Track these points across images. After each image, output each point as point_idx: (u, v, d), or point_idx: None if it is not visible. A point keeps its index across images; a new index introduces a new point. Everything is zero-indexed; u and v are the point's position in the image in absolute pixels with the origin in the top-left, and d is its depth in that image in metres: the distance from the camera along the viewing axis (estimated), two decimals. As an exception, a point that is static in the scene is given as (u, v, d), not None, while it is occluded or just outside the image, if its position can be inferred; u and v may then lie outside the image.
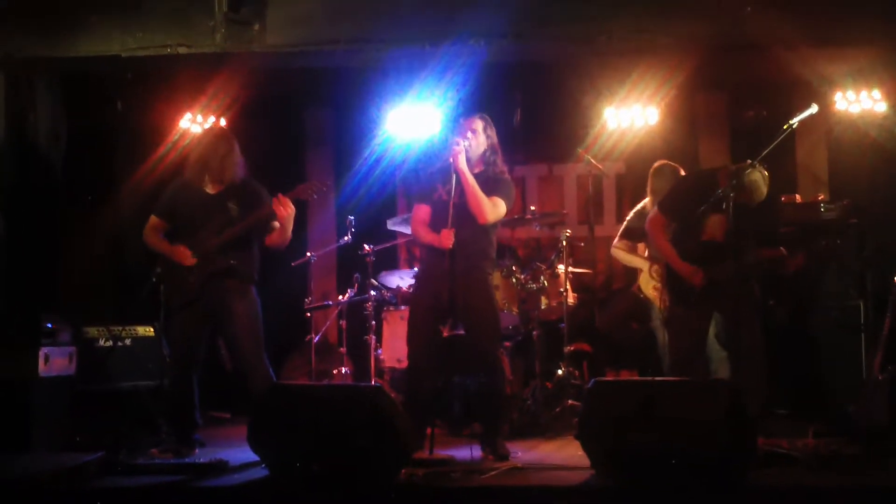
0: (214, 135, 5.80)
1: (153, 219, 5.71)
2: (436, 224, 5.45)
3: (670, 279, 5.76)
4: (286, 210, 5.41)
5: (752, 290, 5.62)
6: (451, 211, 5.28)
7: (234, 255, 5.53)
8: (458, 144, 5.35)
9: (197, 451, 5.59)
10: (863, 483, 4.56)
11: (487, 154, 5.53)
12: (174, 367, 5.69)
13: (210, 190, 5.64)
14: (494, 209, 5.43)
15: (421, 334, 5.48)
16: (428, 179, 5.64)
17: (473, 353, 5.58)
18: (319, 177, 8.84)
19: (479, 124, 5.52)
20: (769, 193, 5.57)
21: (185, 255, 5.52)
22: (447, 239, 5.26)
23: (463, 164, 5.33)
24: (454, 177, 5.32)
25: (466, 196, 5.36)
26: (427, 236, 5.50)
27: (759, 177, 5.45)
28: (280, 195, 5.42)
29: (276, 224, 5.51)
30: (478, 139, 5.48)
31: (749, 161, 5.44)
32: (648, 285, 6.65)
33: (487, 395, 5.54)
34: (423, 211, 5.59)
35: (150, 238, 5.70)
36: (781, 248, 5.55)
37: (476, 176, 5.41)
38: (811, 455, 5.02)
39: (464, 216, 5.35)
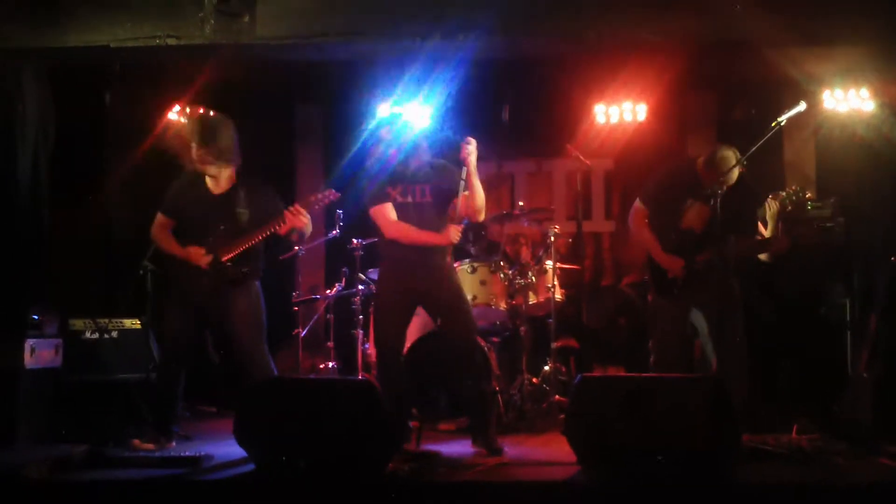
0: (190, 119, 5.78)
1: (160, 217, 5.68)
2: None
3: (652, 270, 5.79)
4: (302, 221, 5.46)
5: (732, 285, 5.65)
6: (458, 208, 5.35)
7: (245, 263, 5.53)
8: (469, 144, 5.35)
9: (174, 442, 5.59)
10: (846, 480, 4.59)
11: None
12: (164, 359, 5.69)
13: (214, 189, 5.61)
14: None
15: (393, 328, 5.53)
16: (379, 184, 5.61)
17: (460, 347, 5.57)
18: (309, 168, 8.87)
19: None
20: (745, 182, 5.59)
21: (199, 256, 5.50)
22: (455, 235, 5.33)
23: (475, 163, 5.36)
24: (463, 172, 5.33)
25: (473, 194, 5.39)
26: (418, 234, 5.47)
27: (730, 154, 5.48)
28: (296, 205, 5.46)
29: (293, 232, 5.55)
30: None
31: (724, 146, 5.51)
32: None
33: (478, 388, 5.53)
34: (391, 209, 5.55)
35: (159, 238, 5.67)
36: (757, 237, 5.60)
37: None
38: (795, 452, 5.05)
39: (440, 213, 5.43)
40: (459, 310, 5.49)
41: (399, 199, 5.50)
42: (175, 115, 7.78)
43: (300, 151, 8.98)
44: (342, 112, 8.52)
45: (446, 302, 5.44)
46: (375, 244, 5.96)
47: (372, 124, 7.84)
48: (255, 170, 5.83)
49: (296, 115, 9.01)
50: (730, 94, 8.32)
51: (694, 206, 5.62)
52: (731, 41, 6.52)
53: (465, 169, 5.34)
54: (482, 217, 5.57)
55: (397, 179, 5.54)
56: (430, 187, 5.52)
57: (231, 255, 5.49)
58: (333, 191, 5.65)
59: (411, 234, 5.50)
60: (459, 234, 5.40)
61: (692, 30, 6.47)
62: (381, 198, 5.56)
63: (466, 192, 5.37)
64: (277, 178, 5.69)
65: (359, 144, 8.11)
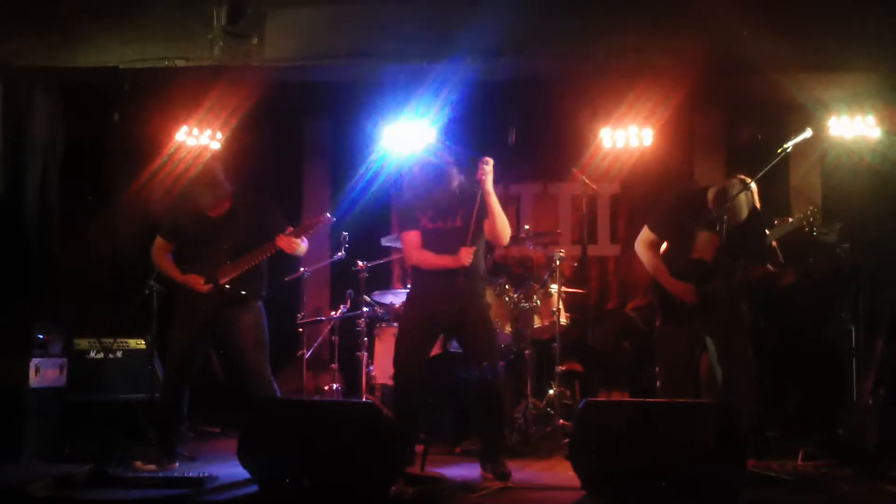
0: (199, 174, 5.73)
1: (159, 240, 5.72)
2: (428, 249, 5.45)
3: (660, 297, 5.76)
4: (293, 247, 5.51)
5: (742, 310, 5.62)
6: (471, 229, 5.29)
7: (244, 285, 5.57)
8: (486, 164, 5.26)
9: (178, 463, 5.59)
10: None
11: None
12: (168, 378, 5.69)
13: (212, 212, 5.63)
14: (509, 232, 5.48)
15: (412, 351, 5.47)
16: (410, 209, 5.58)
17: (474, 369, 5.55)
18: (316, 190, 8.87)
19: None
20: (753, 210, 5.57)
21: (199, 283, 5.53)
22: (466, 257, 5.27)
23: (490, 184, 5.30)
24: (478, 195, 5.27)
25: (493, 216, 5.34)
26: (434, 259, 5.43)
27: (738, 189, 5.44)
28: (282, 235, 5.48)
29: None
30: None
31: (736, 177, 5.48)
32: None
33: (490, 411, 5.50)
34: (417, 236, 5.51)
35: (159, 261, 5.73)
36: (768, 265, 5.55)
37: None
38: (801, 478, 5.03)
39: (471, 238, 5.36)
40: (483, 333, 5.43)
41: (429, 225, 5.48)
42: (184, 135, 7.77)
43: (308, 168, 8.98)
44: (351, 130, 8.51)
45: (467, 327, 5.41)
46: (381, 266, 5.95)
47: (383, 148, 7.90)
48: (262, 185, 5.83)
49: (303, 134, 9.02)
50: (737, 117, 8.32)
51: (703, 235, 5.57)
52: (738, 64, 6.54)
53: (479, 190, 5.29)
54: (506, 241, 5.47)
55: (427, 205, 5.49)
56: (462, 213, 5.44)
57: (229, 278, 5.52)
58: (328, 215, 5.67)
59: (429, 259, 5.46)
60: (471, 256, 5.32)
61: (699, 52, 6.50)
62: (411, 223, 5.54)
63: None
64: (284, 194, 5.69)
65: (367, 164, 8.16)
